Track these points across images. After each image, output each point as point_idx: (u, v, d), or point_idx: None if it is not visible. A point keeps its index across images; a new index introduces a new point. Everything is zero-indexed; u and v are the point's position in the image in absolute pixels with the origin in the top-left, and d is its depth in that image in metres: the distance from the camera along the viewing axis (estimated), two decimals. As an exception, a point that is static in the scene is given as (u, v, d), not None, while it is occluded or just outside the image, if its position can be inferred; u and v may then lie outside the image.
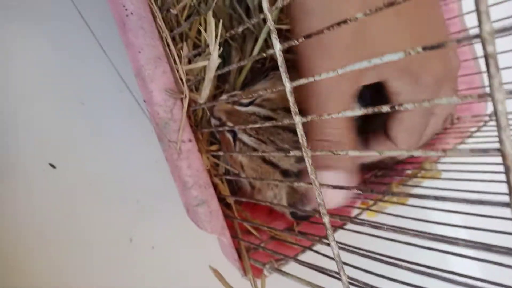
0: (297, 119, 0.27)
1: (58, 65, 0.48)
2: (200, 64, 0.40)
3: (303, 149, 0.27)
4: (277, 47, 0.26)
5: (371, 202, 0.48)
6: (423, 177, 0.51)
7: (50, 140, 0.47)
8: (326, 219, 0.28)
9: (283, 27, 0.51)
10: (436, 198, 0.27)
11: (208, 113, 0.45)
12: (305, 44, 0.31)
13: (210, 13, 0.32)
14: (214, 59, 0.33)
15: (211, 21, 0.31)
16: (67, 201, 0.48)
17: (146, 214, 0.52)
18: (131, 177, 0.52)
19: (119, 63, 0.50)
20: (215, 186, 0.42)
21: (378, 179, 0.56)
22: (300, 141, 0.27)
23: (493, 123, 0.63)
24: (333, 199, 0.34)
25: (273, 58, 0.53)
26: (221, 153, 0.39)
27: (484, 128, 0.61)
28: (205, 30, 0.43)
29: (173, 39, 0.40)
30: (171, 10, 0.38)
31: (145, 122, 0.53)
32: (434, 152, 0.20)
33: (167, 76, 0.36)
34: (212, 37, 0.32)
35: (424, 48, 0.19)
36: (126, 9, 0.34)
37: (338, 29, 0.24)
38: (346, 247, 0.35)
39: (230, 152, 0.43)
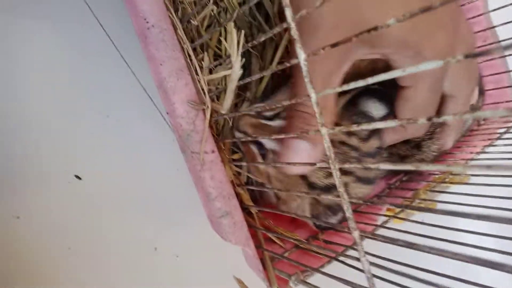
0: (324, 131, 0.26)
1: (83, 77, 0.49)
2: (221, 74, 0.40)
3: (330, 161, 0.27)
4: (302, 56, 0.25)
5: (397, 209, 0.47)
6: (451, 182, 0.49)
7: (76, 152, 0.48)
8: (356, 234, 0.28)
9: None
10: (457, 214, 0.26)
11: (231, 125, 0.45)
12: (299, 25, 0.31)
13: (232, 23, 0.32)
14: (236, 70, 0.32)
15: (233, 31, 0.31)
16: (92, 211, 0.48)
17: (170, 223, 0.52)
18: (154, 187, 0.52)
19: (141, 74, 0.51)
20: (237, 196, 0.42)
21: (403, 184, 0.55)
22: (327, 153, 0.27)
23: (522, 125, 0.61)
24: (298, 168, 0.35)
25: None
26: (244, 163, 0.39)
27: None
28: (226, 40, 0.43)
29: (194, 49, 0.40)
30: (192, 21, 0.38)
31: (166, 131, 0.53)
32: (442, 166, 0.19)
33: (189, 87, 0.36)
34: (234, 47, 0.31)
35: (412, 14, 0.18)
36: (147, 22, 0.35)
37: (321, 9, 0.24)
38: (376, 257, 0.34)
39: (255, 162, 0.43)
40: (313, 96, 0.26)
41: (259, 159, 0.43)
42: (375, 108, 0.41)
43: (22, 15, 0.46)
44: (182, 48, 0.37)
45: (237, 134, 0.44)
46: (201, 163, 0.36)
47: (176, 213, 0.52)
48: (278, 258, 0.43)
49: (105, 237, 0.49)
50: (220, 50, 0.46)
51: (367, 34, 0.19)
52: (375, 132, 0.41)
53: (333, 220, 0.44)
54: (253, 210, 0.42)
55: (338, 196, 0.27)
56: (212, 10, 0.41)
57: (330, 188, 0.41)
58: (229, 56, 0.35)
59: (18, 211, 0.45)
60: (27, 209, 0.45)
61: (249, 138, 0.33)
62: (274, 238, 0.45)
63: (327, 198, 0.41)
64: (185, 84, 0.36)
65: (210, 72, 0.43)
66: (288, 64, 0.28)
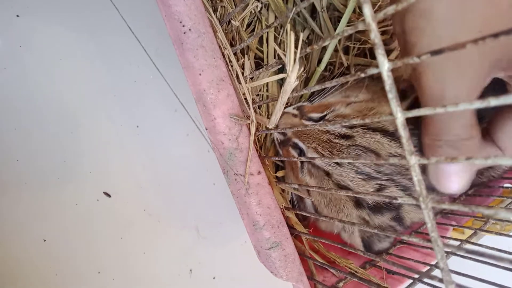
0: (413, 160, 0.21)
1: (112, 87, 0.44)
2: (264, 80, 0.35)
3: (421, 198, 0.21)
4: (385, 66, 0.20)
5: (467, 231, 0.41)
6: (488, 230, 0.42)
7: (105, 168, 0.44)
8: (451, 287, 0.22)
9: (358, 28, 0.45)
10: None
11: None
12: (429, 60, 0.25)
13: (288, 27, 0.26)
14: (292, 81, 0.27)
15: (291, 35, 0.26)
16: (122, 231, 0.44)
17: (206, 243, 0.48)
18: (189, 202, 0.48)
19: (172, 81, 0.46)
20: (286, 220, 0.37)
21: (468, 199, 0.48)
22: (417, 188, 0.21)
23: None
24: (454, 184, 0.29)
25: (342, 65, 0.46)
26: (295, 186, 0.34)
27: None
28: (268, 42, 0.37)
29: (234, 54, 0.35)
30: (233, 21, 0.33)
31: (200, 141, 0.48)
32: None
33: (231, 99, 0.31)
34: (290, 54, 0.26)
35: None
36: (183, 26, 0.30)
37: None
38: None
39: (296, 173, 0.38)
40: (399, 116, 0.20)
41: (299, 165, 0.38)
42: None
43: (53, 23, 0.42)
44: (223, 54, 0.32)
45: (276, 135, 0.39)
46: (246, 186, 0.31)
47: (212, 231, 0.48)
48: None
49: (136, 258, 0.45)
50: (261, 52, 0.41)
51: None
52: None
53: (386, 243, 0.38)
54: (304, 236, 0.37)
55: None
56: (256, 7, 0.36)
57: (381, 208, 0.35)
58: (276, 62, 0.30)
59: (45, 234, 0.41)
60: (54, 231, 0.42)
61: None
62: (326, 267, 0.40)
63: (377, 219, 0.36)
64: (227, 95, 0.31)
65: (251, 78, 0.38)
66: (363, 75, 0.22)
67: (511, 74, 0.27)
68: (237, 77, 0.31)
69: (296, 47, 0.26)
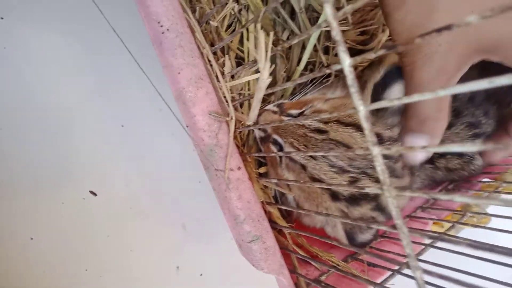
0: (376, 151, 0.22)
1: (95, 87, 0.45)
2: (245, 79, 0.36)
3: (385, 187, 0.22)
4: (346, 62, 0.21)
5: (446, 224, 0.42)
6: (504, 191, 0.44)
7: (90, 167, 0.44)
8: (418, 274, 0.23)
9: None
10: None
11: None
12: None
13: (259, 26, 0.27)
14: (265, 78, 0.28)
15: (260, 34, 0.27)
16: (109, 228, 0.45)
17: (193, 240, 0.48)
18: (175, 200, 0.48)
19: (157, 81, 0.47)
20: (268, 214, 0.38)
21: (449, 193, 0.49)
22: (381, 177, 0.22)
23: None
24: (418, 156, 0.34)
25: (323, 64, 0.47)
26: (274, 181, 0.35)
27: None
28: (249, 41, 0.38)
29: (214, 54, 0.36)
30: (211, 22, 0.34)
31: (186, 140, 0.49)
32: None
33: (210, 97, 0.32)
34: (261, 52, 0.27)
35: None
36: (161, 26, 0.31)
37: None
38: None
39: (276, 168, 0.38)
40: (361, 109, 0.21)
41: (278, 160, 0.39)
42: (395, 92, 0.37)
43: (37, 25, 0.42)
44: (201, 53, 0.33)
45: (257, 132, 0.39)
46: (227, 182, 0.32)
47: (198, 228, 0.48)
48: (316, 281, 0.39)
49: (124, 257, 0.45)
50: (242, 52, 0.42)
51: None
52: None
53: (368, 235, 0.39)
54: (286, 231, 0.38)
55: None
56: (233, 9, 0.37)
57: (357, 199, 0.36)
58: (254, 61, 0.31)
59: (31, 232, 0.42)
60: (41, 230, 0.42)
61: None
62: (309, 260, 0.41)
63: (356, 211, 0.37)
64: (205, 93, 0.32)
65: (232, 77, 0.39)
66: (328, 71, 0.23)
67: (495, 58, 0.28)
68: (217, 76, 0.32)
69: (266, 46, 0.27)
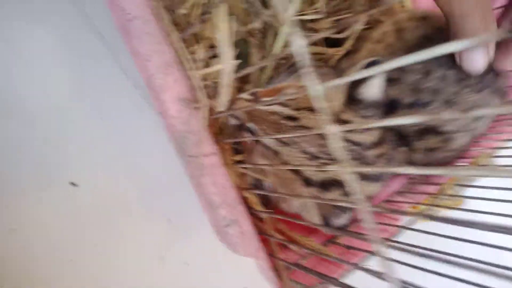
0: (333, 129, 0.22)
1: (73, 80, 0.45)
2: (216, 67, 0.36)
3: (342, 164, 0.22)
4: (297, 43, 0.21)
5: (422, 207, 0.42)
6: (440, 206, 0.44)
7: (70, 158, 0.44)
8: (376, 247, 0.23)
9: (306, 17, 0.46)
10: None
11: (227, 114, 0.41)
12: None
13: (218, 10, 0.27)
14: (228, 63, 0.28)
15: (219, 19, 0.27)
16: (92, 220, 0.45)
17: (177, 229, 0.49)
18: (159, 191, 0.48)
19: (133, 71, 0.47)
20: (245, 200, 0.38)
21: (427, 178, 0.50)
22: (337, 154, 0.23)
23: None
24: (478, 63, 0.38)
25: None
26: (249, 165, 0.35)
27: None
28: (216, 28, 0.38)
29: (185, 41, 0.36)
30: (180, 9, 0.34)
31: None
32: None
33: (180, 84, 0.32)
34: (223, 38, 0.27)
35: None
36: (128, 14, 0.31)
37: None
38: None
39: (251, 155, 0.39)
40: (318, 88, 0.22)
41: (253, 147, 0.39)
42: (372, 88, 0.37)
43: (9, 15, 0.42)
44: (171, 40, 0.33)
45: (231, 121, 0.40)
46: (200, 167, 0.32)
47: (183, 219, 0.49)
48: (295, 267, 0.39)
49: (106, 247, 0.45)
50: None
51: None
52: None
53: (344, 219, 0.39)
54: (264, 215, 0.38)
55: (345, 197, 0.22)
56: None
57: (328, 184, 0.37)
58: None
59: (13, 223, 0.42)
60: (23, 220, 0.42)
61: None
62: (288, 244, 0.41)
63: (334, 197, 0.37)
64: (174, 80, 0.32)
65: (208, 65, 0.39)
66: (285, 53, 0.23)
67: None
68: (185, 63, 0.32)
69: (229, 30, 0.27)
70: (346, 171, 0.23)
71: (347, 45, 0.51)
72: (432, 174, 0.20)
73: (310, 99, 0.39)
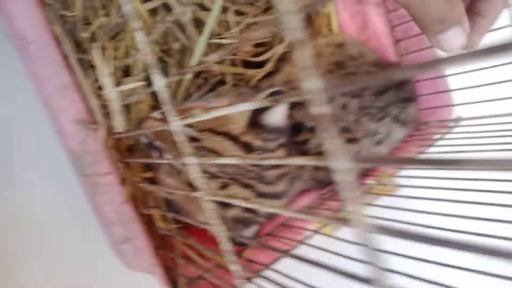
0: (190, 161, 0.24)
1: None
2: (122, 88, 0.37)
3: (201, 192, 0.25)
4: (160, 82, 0.23)
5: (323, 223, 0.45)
6: (378, 193, 0.48)
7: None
8: (234, 268, 0.26)
9: (224, 41, 0.49)
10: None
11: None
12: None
13: (97, 48, 0.29)
14: (110, 91, 0.30)
15: (96, 52, 0.28)
16: (7, 230, 0.45)
17: (91, 242, 0.49)
18: (70, 202, 0.48)
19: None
20: (149, 217, 0.40)
21: (335, 194, 0.53)
22: (196, 183, 0.25)
23: (459, 129, 0.60)
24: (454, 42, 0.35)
25: (219, 73, 0.50)
26: (154, 186, 0.36)
27: (448, 136, 0.58)
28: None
29: (88, 63, 0.37)
30: (82, 33, 0.36)
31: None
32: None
33: (77, 106, 0.33)
34: (101, 68, 0.29)
35: None
36: (24, 38, 0.32)
37: None
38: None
39: (158, 174, 0.40)
40: (178, 124, 0.24)
41: (158, 167, 0.41)
42: (276, 116, 0.40)
43: None
44: (69, 63, 0.34)
45: (142, 139, 0.41)
46: (95, 186, 0.34)
47: (95, 228, 0.49)
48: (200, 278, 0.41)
49: (18, 258, 0.45)
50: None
51: None
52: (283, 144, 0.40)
53: (247, 233, 0.42)
54: (172, 232, 0.40)
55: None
56: (103, 24, 0.38)
57: (227, 202, 0.39)
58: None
59: None
60: None
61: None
62: (193, 257, 0.43)
63: (230, 211, 0.40)
64: (71, 102, 0.33)
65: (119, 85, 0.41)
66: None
67: None
68: (82, 85, 0.34)
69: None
70: (204, 199, 0.25)
71: (267, 67, 0.54)
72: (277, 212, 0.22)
73: (214, 121, 0.41)
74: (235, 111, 0.19)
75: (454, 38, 0.36)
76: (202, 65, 0.24)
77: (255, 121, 0.41)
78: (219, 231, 0.24)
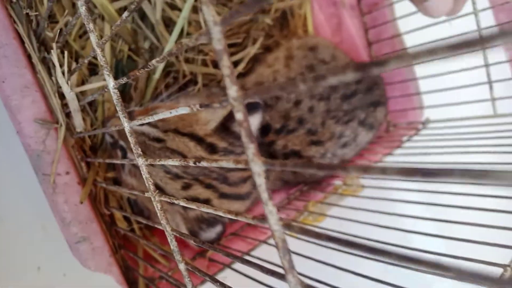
0: (140, 162, 0.25)
1: None
2: (85, 87, 0.37)
3: (150, 192, 0.25)
4: (111, 84, 0.24)
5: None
6: (343, 193, 0.49)
7: None
8: (181, 266, 0.26)
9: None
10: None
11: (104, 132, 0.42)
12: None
13: (57, 48, 0.29)
14: (68, 91, 0.30)
15: (54, 53, 0.29)
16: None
17: (54, 240, 0.49)
18: (33, 201, 0.48)
19: None
20: (111, 217, 0.40)
21: (302, 195, 0.54)
22: (146, 184, 0.25)
23: (427, 131, 0.62)
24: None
25: (189, 73, 0.50)
26: (112, 186, 0.37)
27: (416, 138, 0.60)
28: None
29: (51, 62, 0.37)
30: (47, 32, 0.36)
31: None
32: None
33: (37, 105, 0.33)
34: (57, 68, 0.29)
35: None
36: (-15, 36, 0.32)
37: None
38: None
39: (121, 173, 0.41)
40: (126, 125, 0.24)
41: (121, 166, 0.41)
42: (254, 128, 0.41)
43: None
44: (32, 62, 0.34)
45: (107, 137, 0.41)
46: (53, 186, 0.34)
47: (56, 228, 0.49)
48: (161, 277, 0.42)
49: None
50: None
51: None
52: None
53: (212, 233, 0.42)
54: (135, 228, 0.40)
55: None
56: (68, 23, 0.38)
57: (191, 201, 0.40)
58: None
59: None
60: None
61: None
62: (157, 257, 0.43)
63: (192, 211, 0.40)
64: (32, 101, 0.33)
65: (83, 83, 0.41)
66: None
67: None
68: (44, 84, 0.34)
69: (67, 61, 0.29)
70: (154, 200, 0.26)
71: (239, 67, 0.54)
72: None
73: (179, 122, 0.41)
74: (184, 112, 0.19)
75: (441, 4, 0.38)
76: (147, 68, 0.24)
77: (225, 125, 0.41)
78: (168, 231, 0.25)
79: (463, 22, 0.52)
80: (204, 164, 0.20)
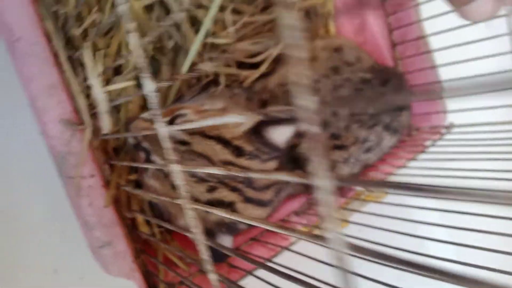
0: (175, 168, 0.24)
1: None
2: (111, 87, 0.37)
3: (181, 199, 0.24)
4: (148, 87, 0.23)
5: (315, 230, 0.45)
6: (366, 199, 0.48)
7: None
8: (212, 277, 0.25)
9: (220, 41, 0.48)
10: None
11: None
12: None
13: (88, 47, 0.28)
14: (98, 92, 0.29)
15: (87, 52, 0.28)
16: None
17: (72, 243, 0.49)
18: (53, 203, 0.48)
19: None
20: (132, 221, 0.39)
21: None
22: (179, 191, 0.25)
23: (450, 136, 0.60)
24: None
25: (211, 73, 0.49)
26: (137, 190, 0.36)
27: (440, 143, 0.58)
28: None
29: (78, 62, 0.37)
30: (74, 30, 0.35)
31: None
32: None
33: (63, 106, 0.33)
34: (90, 68, 0.28)
35: None
36: (14, 35, 0.31)
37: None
38: None
39: (144, 176, 0.40)
40: (164, 131, 0.23)
41: (144, 169, 0.40)
42: (279, 135, 0.39)
43: None
44: (59, 62, 0.34)
45: (130, 140, 0.40)
46: (78, 189, 0.33)
47: (78, 232, 0.49)
48: (181, 282, 0.41)
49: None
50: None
51: None
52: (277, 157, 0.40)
53: (227, 240, 0.41)
54: (154, 236, 0.40)
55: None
56: (96, 21, 0.37)
57: (214, 205, 0.39)
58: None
59: None
60: None
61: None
62: (177, 262, 0.43)
63: (214, 214, 0.39)
64: (58, 102, 0.32)
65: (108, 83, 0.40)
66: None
67: None
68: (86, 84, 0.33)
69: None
70: (186, 207, 0.25)
71: (262, 68, 0.53)
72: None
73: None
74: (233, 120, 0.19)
75: (482, 8, 0.36)
76: (195, 71, 0.23)
77: (257, 129, 0.40)
78: (199, 240, 0.24)
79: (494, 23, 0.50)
80: (251, 175, 0.19)
